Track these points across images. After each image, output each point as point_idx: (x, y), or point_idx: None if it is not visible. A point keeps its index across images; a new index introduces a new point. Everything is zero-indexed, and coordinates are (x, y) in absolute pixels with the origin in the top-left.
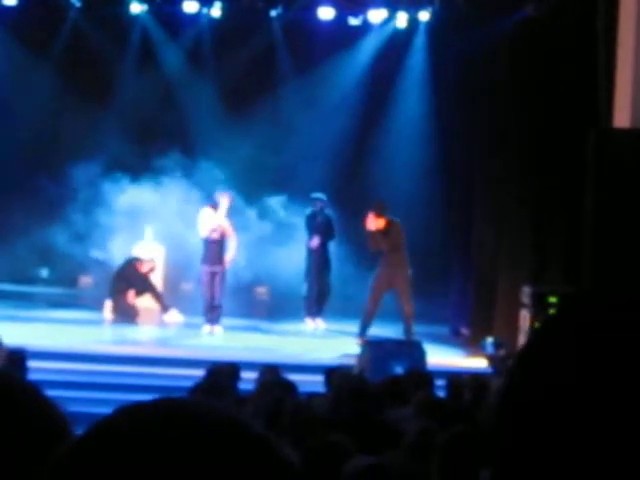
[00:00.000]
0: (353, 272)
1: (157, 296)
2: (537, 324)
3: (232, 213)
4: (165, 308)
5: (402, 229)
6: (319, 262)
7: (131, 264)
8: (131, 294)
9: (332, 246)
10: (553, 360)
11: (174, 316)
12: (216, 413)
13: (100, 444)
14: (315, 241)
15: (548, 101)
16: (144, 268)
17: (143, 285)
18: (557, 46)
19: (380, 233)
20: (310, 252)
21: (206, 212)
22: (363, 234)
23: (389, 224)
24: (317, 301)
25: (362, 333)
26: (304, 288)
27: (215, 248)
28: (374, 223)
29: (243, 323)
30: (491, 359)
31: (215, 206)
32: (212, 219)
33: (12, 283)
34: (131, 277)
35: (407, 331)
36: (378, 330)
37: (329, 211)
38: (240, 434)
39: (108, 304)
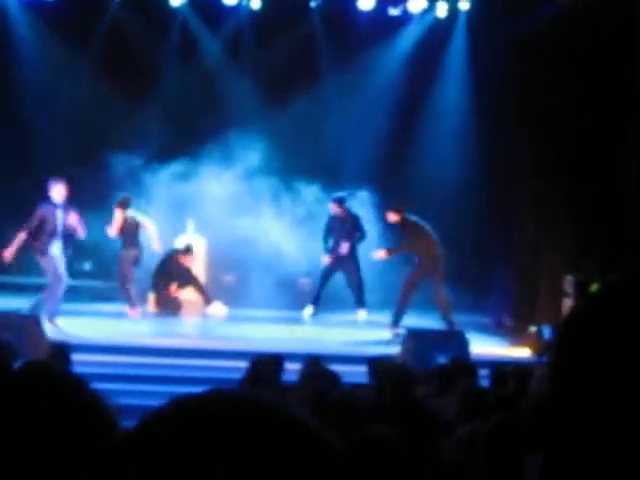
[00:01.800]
0: (394, 263)
1: (200, 288)
2: (579, 301)
3: (273, 203)
4: (208, 300)
5: (418, 228)
6: (347, 262)
7: (172, 257)
8: (173, 287)
9: (374, 238)
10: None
11: (218, 308)
12: (266, 405)
13: (157, 435)
14: (345, 247)
15: (587, 92)
16: (184, 260)
17: (185, 277)
18: (597, 35)
19: (400, 229)
20: (335, 252)
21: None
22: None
23: (403, 221)
24: (356, 294)
25: (395, 322)
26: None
27: None
28: (389, 218)
29: (286, 314)
30: (547, 346)
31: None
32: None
33: None
34: (172, 270)
35: (446, 321)
36: (421, 321)
37: (353, 210)
38: (289, 423)
39: (151, 297)
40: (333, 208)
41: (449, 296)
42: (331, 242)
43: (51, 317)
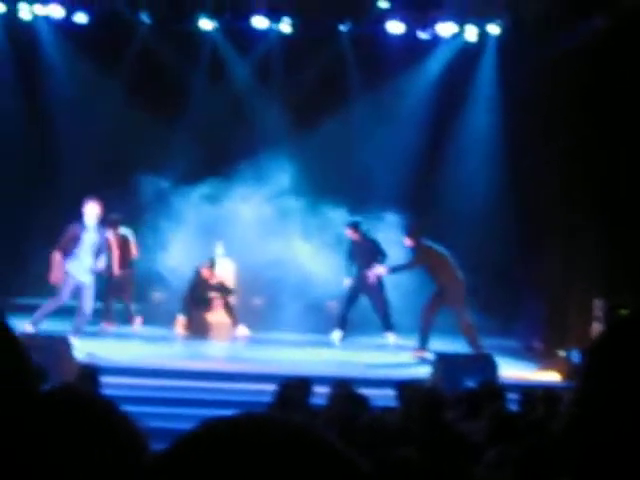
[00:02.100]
0: (424, 286)
1: (229, 310)
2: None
3: (302, 226)
4: (236, 323)
5: (433, 254)
6: (371, 286)
7: (198, 273)
8: (216, 303)
9: (402, 260)
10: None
11: (242, 331)
12: (297, 427)
13: (189, 458)
14: (372, 276)
15: (620, 113)
16: (208, 274)
17: (220, 289)
18: (629, 58)
19: (415, 253)
20: (360, 276)
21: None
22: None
23: (416, 246)
24: (382, 317)
25: (422, 346)
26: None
27: None
28: (405, 243)
29: (315, 338)
30: (576, 370)
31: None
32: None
33: None
34: (206, 291)
35: (473, 347)
36: (450, 344)
37: (370, 234)
38: (320, 447)
39: (180, 319)
40: (349, 233)
41: (474, 321)
42: (354, 267)
43: (35, 323)
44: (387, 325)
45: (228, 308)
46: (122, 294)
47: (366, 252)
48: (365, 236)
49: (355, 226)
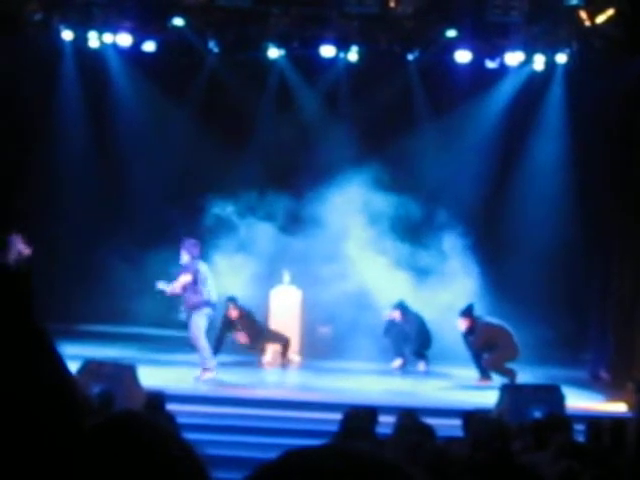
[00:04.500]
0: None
1: (276, 338)
2: None
3: (370, 253)
4: (286, 349)
5: (492, 328)
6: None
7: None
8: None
9: (467, 288)
10: None
11: (294, 357)
12: (381, 460)
13: None
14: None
15: None
16: (235, 312)
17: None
18: None
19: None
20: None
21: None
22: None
23: (473, 326)
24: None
25: (484, 375)
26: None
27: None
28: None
29: (381, 367)
30: None
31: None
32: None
33: (152, 327)
34: (231, 324)
35: (502, 374)
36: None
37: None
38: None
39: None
40: (396, 315)
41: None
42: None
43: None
44: (419, 354)
45: (272, 337)
46: None
47: (413, 325)
48: (407, 313)
49: (402, 307)
